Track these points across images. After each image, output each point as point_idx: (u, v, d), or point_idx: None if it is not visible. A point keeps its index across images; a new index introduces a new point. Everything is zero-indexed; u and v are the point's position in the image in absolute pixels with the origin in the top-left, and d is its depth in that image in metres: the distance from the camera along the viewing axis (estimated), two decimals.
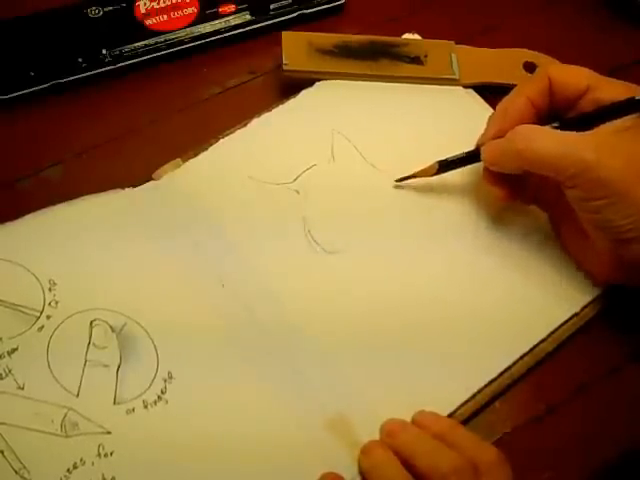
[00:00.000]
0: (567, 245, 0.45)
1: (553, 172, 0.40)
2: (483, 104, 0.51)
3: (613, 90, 0.43)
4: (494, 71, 0.52)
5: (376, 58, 0.51)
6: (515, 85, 0.51)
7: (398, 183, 0.47)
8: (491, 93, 0.51)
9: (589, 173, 0.39)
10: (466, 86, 0.52)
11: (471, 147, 0.46)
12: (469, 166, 0.46)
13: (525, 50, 0.53)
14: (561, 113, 0.45)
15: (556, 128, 0.42)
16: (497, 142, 0.43)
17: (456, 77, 0.51)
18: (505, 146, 0.42)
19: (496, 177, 0.44)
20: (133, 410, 0.40)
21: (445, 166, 0.46)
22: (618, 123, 0.41)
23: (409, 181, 0.47)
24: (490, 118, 0.45)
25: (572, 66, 0.45)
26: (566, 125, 0.42)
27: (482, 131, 0.45)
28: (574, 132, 0.41)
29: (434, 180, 0.47)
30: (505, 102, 0.45)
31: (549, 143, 0.40)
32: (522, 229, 0.46)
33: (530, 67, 0.52)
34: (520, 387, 0.42)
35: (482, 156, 0.44)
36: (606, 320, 0.43)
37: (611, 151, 0.39)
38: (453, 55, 0.52)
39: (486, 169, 0.45)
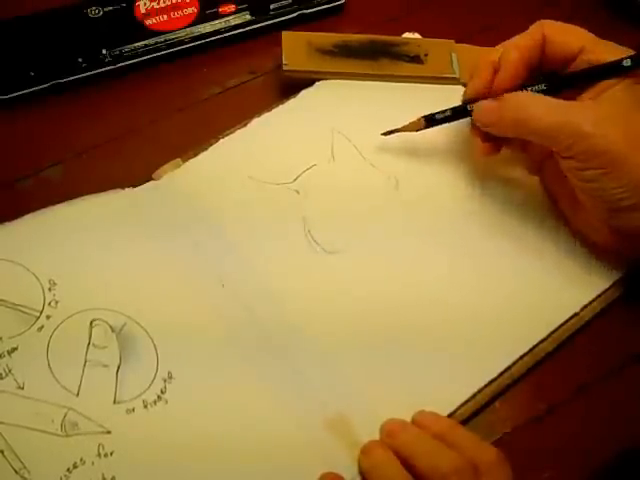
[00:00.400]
0: (560, 207, 0.45)
1: (549, 142, 0.41)
2: None
3: (608, 53, 0.42)
4: None
5: (376, 57, 0.51)
6: None
7: (384, 136, 0.47)
8: None
9: (585, 143, 0.39)
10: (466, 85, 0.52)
11: (470, 147, 0.46)
12: (470, 169, 0.46)
13: None
14: (552, 71, 0.44)
15: (544, 89, 0.42)
16: (490, 105, 0.43)
17: (456, 76, 0.51)
18: (502, 113, 0.42)
19: (482, 135, 0.44)
20: (133, 410, 0.40)
21: (431, 121, 0.46)
22: (616, 91, 0.41)
23: (408, 182, 0.47)
24: (478, 66, 0.45)
25: (568, 25, 0.44)
26: (553, 85, 0.42)
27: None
28: (571, 102, 0.41)
29: (434, 180, 0.47)
30: (494, 51, 0.44)
31: (545, 113, 0.40)
32: (522, 231, 0.46)
33: None
34: (520, 387, 0.42)
35: (474, 116, 0.44)
36: (606, 320, 0.43)
37: (608, 120, 0.39)
38: (453, 54, 0.52)
39: (474, 128, 0.45)
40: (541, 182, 0.46)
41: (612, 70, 0.42)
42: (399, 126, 0.47)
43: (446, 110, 0.46)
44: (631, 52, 0.42)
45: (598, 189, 0.40)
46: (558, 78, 0.43)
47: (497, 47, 0.44)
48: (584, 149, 0.39)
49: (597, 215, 0.42)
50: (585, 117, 0.39)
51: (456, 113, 0.46)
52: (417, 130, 0.46)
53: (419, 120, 0.46)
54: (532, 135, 0.42)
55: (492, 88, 0.43)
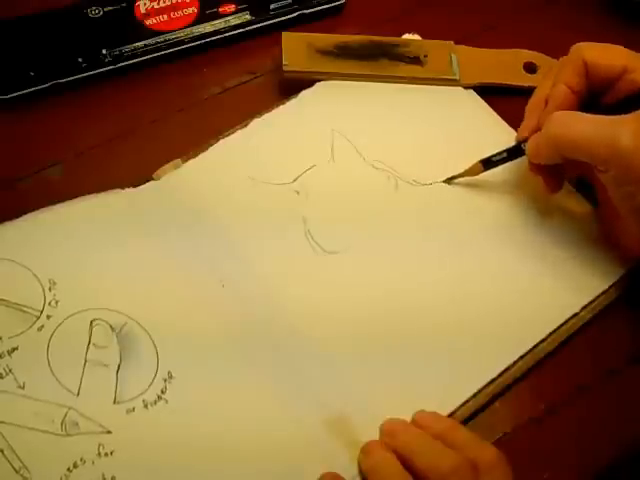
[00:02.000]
0: (603, 220, 0.45)
1: (587, 156, 0.40)
2: (483, 105, 0.51)
3: None
4: (494, 71, 0.52)
5: (376, 58, 0.51)
6: (515, 86, 0.52)
7: (446, 183, 0.47)
8: (492, 94, 0.51)
9: (622, 158, 0.38)
10: (466, 86, 0.52)
11: (472, 147, 0.46)
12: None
13: (525, 50, 0.53)
14: (599, 95, 0.44)
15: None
16: (538, 134, 0.43)
17: (456, 77, 0.51)
18: (543, 134, 0.42)
19: (541, 168, 0.44)
20: (133, 410, 0.40)
21: (488, 164, 0.46)
22: None
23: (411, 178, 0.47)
24: (528, 108, 0.45)
25: (607, 45, 0.44)
26: (606, 111, 0.41)
27: (482, 132, 0.45)
28: (611, 116, 0.40)
29: (434, 182, 0.47)
30: (541, 90, 0.44)
31: (584, 127, 0.40)
32: (523, 232, 0.46)
33: (530, 67, 0.52)
34: (520, 387, 0.42)
35: (527, 151, 0.44)
36: (606, 321, 0.43)
37: None
38: (453, 55, 0.52)
39: (531, 165, 0.44)
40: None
41: None
42: (459, 172, 0.47)
43: (502, 152, 0.46)
44: None
45: (636, 206, 0.40)
46: (612, 105, 0.43)
47: (542, 82, 0.45)
48: (621, 164, 0.39)
49: (636, 230, 0.41)
50: (623, 131, 0.38)
51: (511, 154, 0.46)
52: (477, 174, 0.47)
53: (477, 164, 0.46)
54: (570, 149, 0.41)
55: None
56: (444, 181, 0.47)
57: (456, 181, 0.47)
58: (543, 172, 0.44)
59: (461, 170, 0.47)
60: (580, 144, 0.40)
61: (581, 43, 0.44)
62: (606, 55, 0.43)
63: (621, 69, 0.42)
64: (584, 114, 0.41)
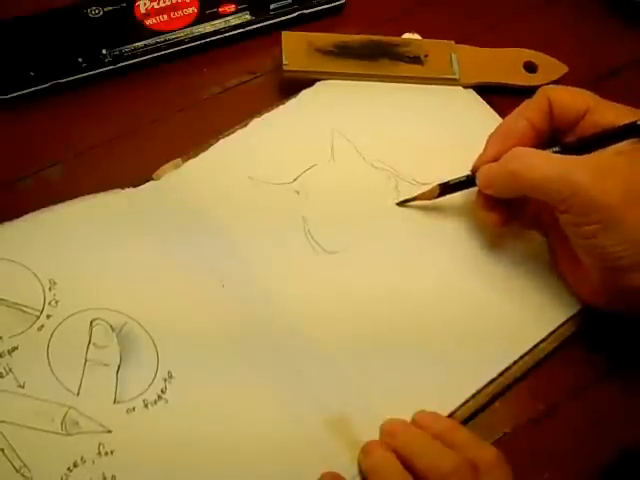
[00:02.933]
0: (562, 271, 0.44)
1: (546, 195, 0.40)
2: (483, 104, 0.51)
3: (612, 113, 0.42)
4: (494, 71, 0.52)
5: (376, 58, 0.51)
6: (515, 85, 0.52)
7: (400, 206, 0.47)
8: (491, 93, 0.51)
9: (582, 196, 0.38)
10: (466, 86, 0.52)
11: (472, 147, 0.46)
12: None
13: (525, 50, 0.53)
14: (561, 135, 0.44)
15: (556, 152, 0.41)
16: (491, 165, 0.43)
17: (456, 77, 0.51)
18: (499, 168, 0.42)
19: (490, 202, 0.43)
20: (133, 409, 0.40)
21: (446, 189, 0.46)
22: (616, 146, 0.40)
23: (411, 178, 0.47)
24: (488, 140, 0.44)
25: (571, 88, 0.44)
26: (566, 150, 0.41)
27: (482, 131, 0.45)
28: (568, 156, 0.40)
29: (434, 182, 0.47)
30: (504, 124, 0.44)
31: (543, 165, 0.39)
32: (525, 235, 0.46)
33: (530, 67, 0.52)
34: (520, 387, 0.42)
35: (477, 180, 0.43)
36: (606, 321, 0.43)
37: (607, 175, 0.38)
38: (453, 55, 0.52)
39: (480, 194, 0.44)
40: (547, 242, 0.45)
41: (628, 132, 0.41)
42: (414, 195, 0.46)
43: (461, 177, 0.45)
44: (635, 110, 0.42)
45: (595, 246, 0.39)
46: (572, 143, 0.43)
47: (508, 118, 0.44)
48: (580, 203, 0.38)
49: (596, 275, 0.40)
50: (583, 170, 0.38)
51: (470, 180, 0.45)
52: (433, 198, 0.46)
53: (434, 188, 0.46)
54: (528, 187, 0.40)
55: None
56: (398, 204, 0.47)
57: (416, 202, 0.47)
58: (492, 205, 0.43)
59: (452, 176, 0.46)
60: (540, 183, 0.39)
61: (547, 86, 0.44)
62: (570, 96, 0.43)
63: (584, 110, 0.42)
64: (542, 151, 0.41)
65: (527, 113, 0.43)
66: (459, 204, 0.47)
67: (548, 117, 0.43)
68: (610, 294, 0.40)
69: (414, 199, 0.47)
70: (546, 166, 0.39)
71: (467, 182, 0.45)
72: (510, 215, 0.44)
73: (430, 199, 0.46)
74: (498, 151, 0.43)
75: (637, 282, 0.39)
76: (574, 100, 0.43)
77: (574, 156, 0.40)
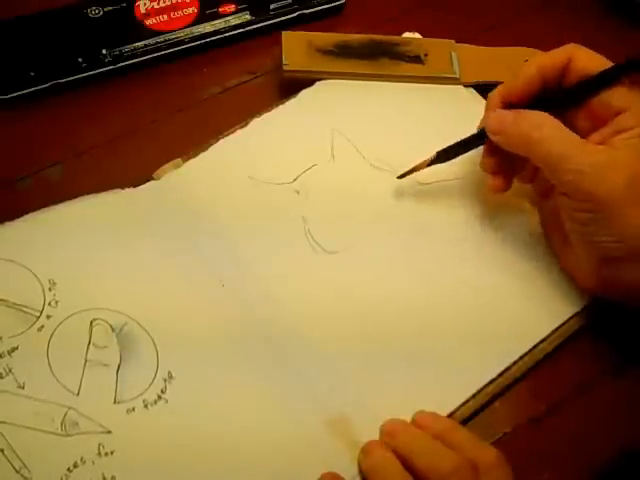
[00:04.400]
0: (552, 244, 0.44)
1: (551, 171, 0.40)
2: (484, 103, 0.51)
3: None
4: (495, 70, 0.52)
5: (376, 57, 0.51)
6: None
7: (400, 178, 0.47)
8: None
9: (583, 183, 0.38)
10: (467, 85, 0.52)
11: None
12: (471, 171, 0.46)
13: (526, 48, 0.53)
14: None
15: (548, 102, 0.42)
16: (506, 114, 0.42)
17: (457, 76, 0.51)
18: (514, 123, 0.41)
19: (494, 165, 0.44)
20: (133, 409, 0.40)
21: (446, 155, 0.45)
22: (629, 136, 0.40)
23: (411, 178, 0.47)
24: (499, 86, 0.44)
25: (597, 56, 0.43)
26: (560, 97, 0.42)
27: None
28: (585, 140, 0.40)
29: (434, 181, 0.47)
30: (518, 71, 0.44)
31: (558, 140, 0.40)
32: (523, 235, 0.46)
33: None
34: (520, 387, 0.42)
35: (487, 123, 0.43)
36: (606, 320, 0.43)
37: (613, 167, 0.38)
38: (454, 54, 0.52)
39: (485, 158, 0.44)
40: (539, 216, 0.45)
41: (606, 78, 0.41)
42: (413, 165, 0.46)
43: (458, 141, 0.45)
44: None
45: (588, 234, 0.40)
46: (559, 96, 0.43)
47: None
48: (580, 189, 0.39)
49: (586, 260, 0.41)
50: (591, 157, 0.39)
51: (472, 140, 0.45)
52: (430, 165, 0.46)
53: (431, 156, 0.46)
54: (538, 158, 0.41)
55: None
56: (398, 177, 0.47)
57: (454, 182, 0.47)
58: (494, 168, 0.44)
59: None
60: (549, 158, 0.40)
61: (576, 45, 0.43)
62: (594, 63, 0.42)
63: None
64: (559, 123, 0.40)
65: (542, 62, 0.43)
66: (460, 205, 0.47)
67: (560, 72, 0.42)
68: (598, 279, 0.41)
69: (413, 170, 0.46)
70: (561, 142, 0.40)
71: (472, 141, 0.45)
72: (512, 177, 0.44)
73: (427, 166, 0.46)
74: (506, 93, 0.43)
75: (622, 273, 0.39)
76: (591, 64, 0.42)
77: (586, 141, 0.40)
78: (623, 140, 0.40)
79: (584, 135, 0.41)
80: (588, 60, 0.42)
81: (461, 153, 0.46)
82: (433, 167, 0.46)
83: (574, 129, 0.41)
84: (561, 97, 0.43)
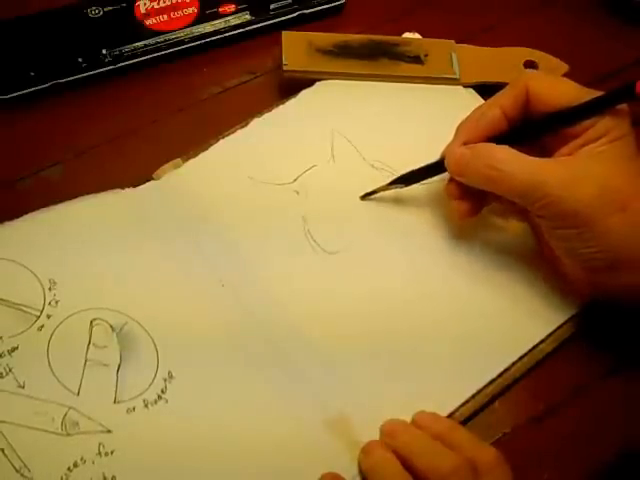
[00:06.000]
0: (544, 253, 0.44)
1: (521, 202, 0.40)
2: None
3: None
4: (495, 70, 0.52)
5: (376, 58, 0.51)
6: None
7: (363, 199, 0.47)
8: (492, 92, 0.51)
9: (555, 205, 0.38)
10: (466, 85, 0.52)
11: None
12: None
13: (526, 49, 0.53)
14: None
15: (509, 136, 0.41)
16: (463, 152, 0.42)
17: (456, 76, 0.51)
18: (472, 163, 0.41)
19: (459, 191, 0.43)
20: (133, 409, 0.40)
21: (407, 179, 0.45)
22: (594, 147, 0.39)
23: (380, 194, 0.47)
24: (459, 127, 0.43)
25: (554, 80, 0.42)
26: (531, 129, 0.41)
27: None
28: (545, 160, 0.40)
29: (434, 181, 0.47)
30: (477, 111, 0.43)
31: (518, 171, 0.39)
32: (525, 231, 0.46)
33: (531, 66, 0.52)
34: (520, 387, 0.42)
35: (446, 164, 0.43)
36: (606, 321, 0.43)
37: (582, 179, 0.38)
38: (453, 54, 0.52)
39: (449, 183, 0.44)
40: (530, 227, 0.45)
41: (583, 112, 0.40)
42: (375, 187, 0.46)
43: (421, 167, 0.45)
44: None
45: (571, 249, 0.40)
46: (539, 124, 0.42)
47: (483, 105, 0.43)
48: (554, 211, 0.38)
49: (576, 271, 0.41)
50: (556, 178, 0.38)
51: (432, 169, 0.44)
52: (392, 188, 0.46)
53: (395, 180, 0.46)
54: (503, 192, 0.40)
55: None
56: (361, 197, 0.47)
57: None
58: (461, 194, 0.43)
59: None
60: (514, 189, 0.39)
61: (528, 71, 0.43)
62: (551, 93, 0.41)
63: (564, 106, 0.40)
64: (515, 152, 0.40)
65: (502, 101, 0.42)
66: None
67: (523, 107, 0.42)
68: (590, 287, 0.41)
69: (374, 192, 0.46)
70: (522, 173, 0.39)
71: (427, 170, 0.45)
72: (482, 202, 0.43)
73: (389, 189, 0.46)
74: (468, 139, 0.42)
75: (613, 281, 0.39)
76: (553, 98, 0.41)
77: (550, 160, 0.40)
78: (591, 150, 0.39)
79: (551, 149, 0.41)
80: (546, 94, 0.41)
81: (425, 178, 0.45)
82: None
83: (540, 144, 0.41)
84: (532, 130, 0.42)
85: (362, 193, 0.47)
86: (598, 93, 0.40)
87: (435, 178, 0.46)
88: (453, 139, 0.43)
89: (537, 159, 0.40)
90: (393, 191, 0.47)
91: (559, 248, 0.41)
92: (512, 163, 0.40)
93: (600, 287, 0.41)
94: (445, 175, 0.44)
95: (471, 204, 0.43)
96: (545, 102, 0.41)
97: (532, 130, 0.42)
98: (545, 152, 0.41)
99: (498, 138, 0.41)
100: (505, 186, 0.40)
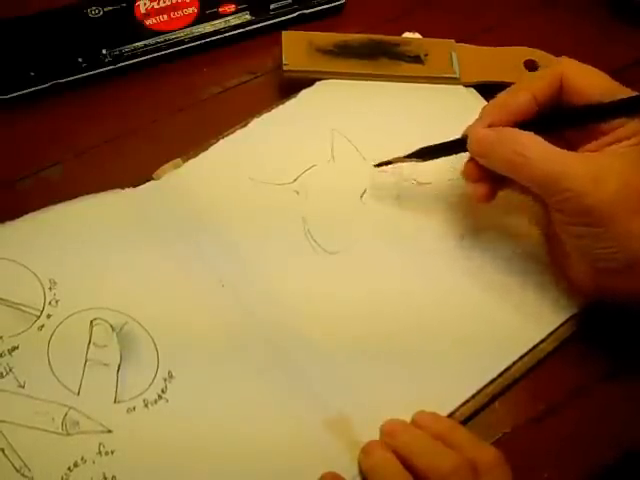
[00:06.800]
0: (551, 252, 0.44)
1: (541, 192, 0.39)
2: (484, 103, 0.50)
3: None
4: (495, 70, 0.52)
5: (376, 57, 0.51)
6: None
7: (377, 168, 0.46)
8: (492, 92, 0.51)
9: (575, 201, 0.38)
10: (467, 85, 0.52)
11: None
12: None
13: (526, 48, 0.53)
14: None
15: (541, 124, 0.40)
16: (487, 134, 0.41)
17: (457, 76, 0.51)
18: (497, 146, 0.40)
19: (478, 172, 0.42)
20: (134, 409, 0.40)
21: (424, 153, 0.44)
22: (621, 146, 0.39)
23: (411, 178, 0.47)
24: (486, 107, 0.42)
25: (590, 71, 0.41)
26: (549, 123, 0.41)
27: None
28: (571, 152, 0.39)
29: (435, 179, 0.47)
30: (508, 94, 0.42)
31: (542, 160, 0.38)
32: (526, 232, 0.46)
33: (531, 65, 0.52)
34: (520, 387, 0.42)
35: (469, 143, 0.42)
36: (606, 321, 0.43)
37: (602, 179, 0.37)
38: (454, 54, 0.52)
39: (468, 163, 0.43)
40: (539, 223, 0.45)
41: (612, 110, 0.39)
42: (391, 157, 0.45)
43: (441, 143, 0.44)
44: None
45: (584, 246, 0.39)
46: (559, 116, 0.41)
47: (508, 89, 0.42)
48: (574, 206, 0.38)
49: (583, 270, 0.40)
50: (580, 172, 0.37)
51: (452, 146, 0.44)
52: (410, 161, 0.45)
53: (412, 153, 0.45)
54: (525, 180, 0.40)
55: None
56: (375, 165, 0.46)
57: (455, 181, 0.47)
58: (479, 177, 0.42)
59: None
60: (537, 179, 0.39)
61: (566, 58, 0.42)
62: (587, 84, 0.40)
63: (596, 102, 0.40)
64: (541, 141, 0.39)
65: (535, 87, 0.41)
66: (459, 207, 0.47)
67: (556, 96, 0.41)
68: (597, 288, 0.41)
69: (390, 162, 0.46)
70: (545, 163, 0.38)
71: (449, 147, 0.44)
72: (499, 186, 0.43)
73: (407, 162, 0.45)
74: (494, 121, 0.41)
75: (626, 283, 0.39)
76: (587, 88, 0.40)
77: (575, 154, 0.39)
78: (617, 148, 0.39)
79: (576, 143, 0.41)
80: (582, 85, 0.40)
81: (444, 155, 0.44)
82: (435, 166, 0.46)
83: (566, 136, 0.40)
84: (561, 121, 0.41)
85: (377, 162, 0.46)
86: (630, 91, 0.40)
87: (438, 177, 0.45)
88: (478, 119, 0.42)
89: (563, 151, 0.39)
90: (394, 191, 0.47)
91: (571, 245, 0.40)
92: (537, 151, 0.39)
93: (608, 288, 0.40)
94: (459, 171, 0.43)
95: (488, 188, 0.42)
96: (578, 92, 0.40)
97: (561, 120, 0.41)
98: (570, 146, 0.41)
99: (525, 124, 0.40)
100: (527, 173, 0.39)
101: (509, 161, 0.40)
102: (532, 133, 0.40)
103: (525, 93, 0.41)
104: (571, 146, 0.41)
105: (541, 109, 0.41)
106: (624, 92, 0.40)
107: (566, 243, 0.41)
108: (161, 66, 0.52)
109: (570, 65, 0.42)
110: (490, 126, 0.41)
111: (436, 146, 0.44)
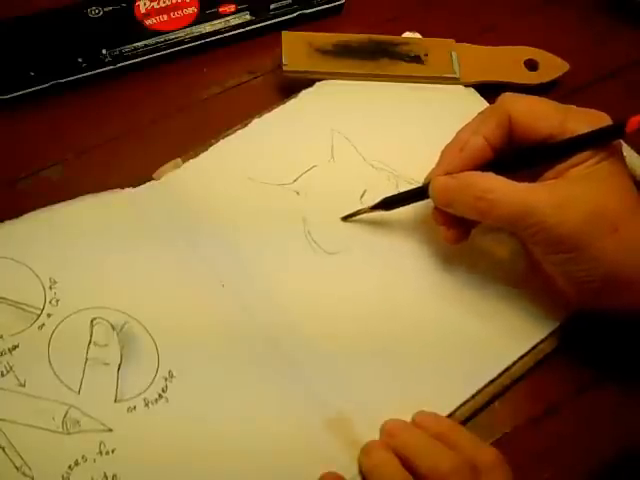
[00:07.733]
0: (538, 274, 0.43)
1: (512, 230, 0.40)
2: (484, 103, 0.51)
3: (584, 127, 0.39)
4: (495, 69, 0.52)
5: (376, 57, 0.51)
6: (516, 84, 0.51)
7: (344, 220, 0.46)
8: (493, 92, 0.51)
9: (548, 232, 0.38)
10: (467, 85, 0.52)
11: None
12: None
13: (526, 47, 0.53)
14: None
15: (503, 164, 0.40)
16: (447, 182, 0.41)
17: (457, 76, 0.51)
18: (458, 193, 0.40)
19: (446, 218, 0.42)
20: (134, 408, 0.40)
21: (389, 204, 0.45)
22: (581, 169, 0.39)
23: (410, 178, 0.47)
24: (442, 153, 0.42)
25: (532, 102, 0.41)
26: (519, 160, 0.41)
27: None
28: (532, 185, 0.39)
29: None
30: (459, 138, 0.42)
31: (505, 199, 0.38)
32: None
33: (531, 65, 0.52)
34: (520, 387, 0.42)
35: (430, 194, 0.42)
36: (606, 321, 0.43)
37: (571, 206, 0.38)
38: (454, 54, 0.52)
39: (435, 212, 0.43)
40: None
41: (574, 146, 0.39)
42: (358, 209, 0.46)
43: (404, 192, 0.44)
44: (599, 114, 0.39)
45: (564, 272, 0.40)
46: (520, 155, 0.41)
47: (465, 127, 0.42)
48: (546, 237, 0.38)
49: (569, 291, 0.41)
50: (544, 204, 0.38)
51: (415, 195, 0.44)
52: (374, 211, 0.45)
53: (377, 203, 0.45)
54: (492, 222, 0.40)
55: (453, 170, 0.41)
56: (342, 218, 0.46)
57: None
58: (448, 220, 0.42)
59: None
60: (505, 218, 0.39)
61: (508, 95, 0.41)
62: (534, 120, 0.40)
63: (547, 135, 0.40)
64: (502, 179, 0.39)
65: (484, 130, 0.41)
66: None
67: (507, 134, 0.41)
68: (581, 304, 0.41)
69: (357, 213, 0.46)
70: (510, 202, 0.38)
71: (413, 195, 0.44)
72: (471, 224, 0.42)
73: (372, 211, 0.45)
74: (453, 167, 0.41)
75: (613, 302, 0.39)
76: (537, 124, 0.40)
77: (536, 185, 0.39)
78: (578, 172, 0.39)
79: (537, 171, 0.40)
80: (529, 122, 0.40)
81: (409, 203, 0.45)
82: (432, 164, 0.45)
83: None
84: (518, 163, 0.41)
85: (344, 214, 0.46)
86: (576, 108, 0.40)
87: None
88: (436, 165, 0.42)
89: (524, 185, 0.39)
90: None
91: (554, 271, 0.41)
92: (499, 192, 0.39)
93: (588, 305, 0.41)
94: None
95: (459, 231, 0.42)
96: (527, 129, 0.40)
97: (518, 162, 0.41)
98: (531, 174, 0.40)
99: (483, 167, 0.41)
100: (493, 216, 0.39)
101: (473, 207, 0.40)
102: (490, 173, 0.40)
103: (477, 138, 0.41)
104: (532, 174, 0.40)
105: (496, 150, 0.41)
106: (571, 116, 0.40)
107: (548, 270, 0.41)
108: (161, 66, 0.52)
109: (513, 102, 0.41)
110: (449, 173, 0.41)
111: (400, 195, 0.45)
